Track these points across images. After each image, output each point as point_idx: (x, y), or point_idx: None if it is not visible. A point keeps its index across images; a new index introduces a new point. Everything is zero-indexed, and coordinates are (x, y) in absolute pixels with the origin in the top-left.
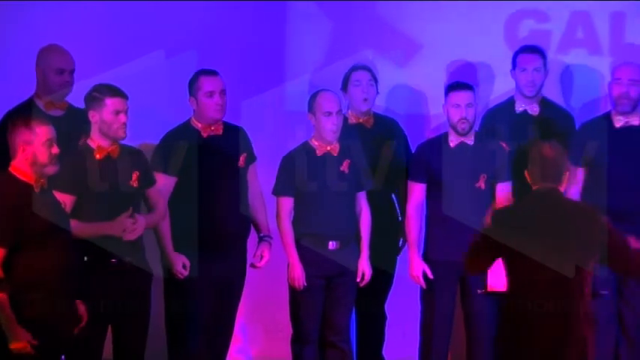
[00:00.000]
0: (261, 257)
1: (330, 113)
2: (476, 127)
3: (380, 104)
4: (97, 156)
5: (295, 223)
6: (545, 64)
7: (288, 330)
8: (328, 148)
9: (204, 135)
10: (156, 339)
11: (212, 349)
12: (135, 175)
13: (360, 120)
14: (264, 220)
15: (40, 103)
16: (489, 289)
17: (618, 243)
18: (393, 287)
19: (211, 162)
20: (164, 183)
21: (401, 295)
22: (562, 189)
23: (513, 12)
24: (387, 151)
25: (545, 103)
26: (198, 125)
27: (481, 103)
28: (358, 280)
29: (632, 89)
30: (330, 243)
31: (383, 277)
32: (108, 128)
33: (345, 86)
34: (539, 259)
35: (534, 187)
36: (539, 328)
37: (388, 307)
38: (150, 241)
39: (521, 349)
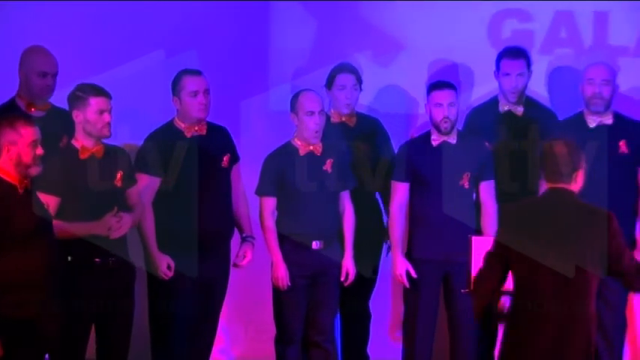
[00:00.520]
0: (244, 257)
1: (312, 113)
2: (458, 126)
3: (363, 103)
4: (82, 156)
5: (279, 222)
6: (529, 67)
7: (271, 330)
8: (311, 147)
9: (188, 135)
10: (139, 338)
11: (196, 348)
12: (119, 175)
13: (343, 119)
14: (247, 221)
15: (21, 104)
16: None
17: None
18: (376, 286)
19: (195, 162)
20: (148, 183)
21: (385, 293)
22: (575, 188)
23: (496, 12)
24: (369, 150)
25: (529, 103)
26: (182, 125)
27: (464, 102)
28: (342, 279)
29: (605, 89)
30: (314, 243)
31: (366, 276)
32: (92, 128)
33: (329, 85)
34: (547, 261)
35: (546, 185)
36: (545, 330)
37: (372, 305)
38: (134, 241)
39: (528, 350)
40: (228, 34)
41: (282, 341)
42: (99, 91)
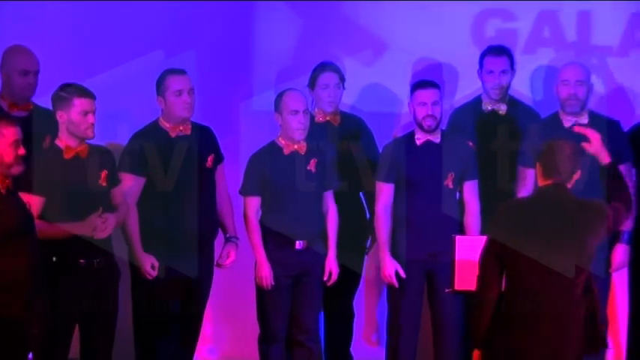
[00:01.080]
0: (227, 257)
1: (296, 112)
2: (442, 126)
3: (347, 102)
4: (66, 156)
5: (263, 222)
6: (512, 65)
7: (255, 329)
8: (295, 147)
9: (173, 135)
10: (123, 339)
11: (180, 348)
12: (104, 175)
13: (327, 118)
14: (231, 221)
15: (3, 104)
16: (456, 287)
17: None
18: (360, 286)
19: (179, 162)
20: (132, 183)
21: (369, 293)
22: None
23: (480, 11)
24: (354, 149)
25: (513, 102)
26: (167, 125)
27: (447, 101)
28: (325, 279)
29: (580, 90)
30: (298, 242)
31: (350, 276)
32: (76, 128)
33: (312, 85)
34: (543, 258)
35: (542, 182)
36: (538, 329)
37: (356, 305)
38: (118, 241)
39: (522, 350)
40: (212, 35)
41: (265, 340)
42: (83, 92)
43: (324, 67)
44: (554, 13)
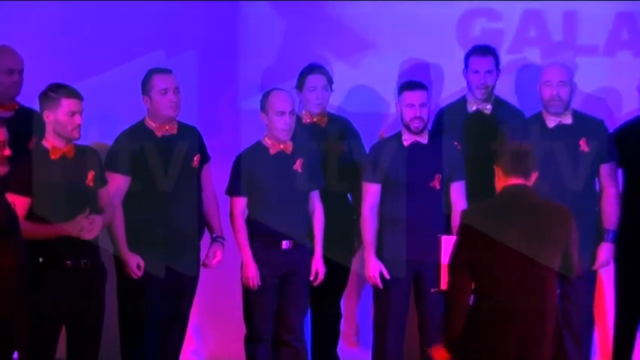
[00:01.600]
0: (214, 257)
1: (283, 112)
2: (429, 127)
3: (333, 104)
4: (53, 156)
5: (249, 222)
6: (497, 65)
7: (242, 329)
8: (281, 146)
9: (159, 134)
10: (109, 339)
11: (165, 348)
12: (91, 175)
13: (314, 119)
14: (217, 221)
15: None
16: (443, 287)
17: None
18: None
19: (165, 162)
20: (118, 183)
21: (349, 294)
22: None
23: (465, 11)
24: (340, 150)
25: (498, 102)
26: (152, 125)
27: (434, 102)
28: (312, 279)
29: (563, 90)
30: (284, 242)
31: (337, 276)
32: (62, 129)
33: (300, 86)
34: (511, 257)
35: (503, 182)
36: (511, 329)
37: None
38: (103, 241)
39: (494, 351)
40: (197, 34)
41: (252, 340)
42: (71, 93)
43: (311, 69)
44: (540, 13)
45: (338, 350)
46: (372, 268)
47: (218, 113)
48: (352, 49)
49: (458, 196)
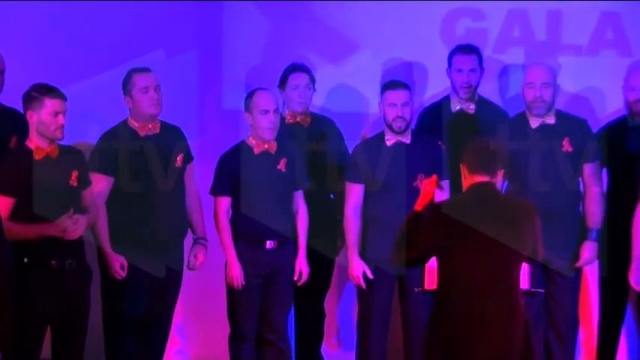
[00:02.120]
0: (195, 259)
1: (267, 111)
2: (412, 126)
3: (316, 103)
4: (36, 157)
5: (233, 222)
6: (480, 63)
7: (226, 329)
8: (265, 146)
9: (142, 134)
10: (94, 339)
11: (149, 348)
12: (74, 175)
13: (298, 119)
14: (200, 221)
15: None
16: (426, 287)
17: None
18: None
19: (148, 162)
20: (101, 183)
21: (330, 295)
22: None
23: (450, 10)
24: (324, 150)
25: (482, 102)
26: (135, 125)
27: (417, 101)
28: (295, 279)
29: (546, 92)
30: (268, 242)
31: (321, 275)
32: (45, 129)
33: (282, 85)
34: (476, 256)
35: (470, 181)
36: (477, 328)
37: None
38: (88, 241)
39: (461, 351)
40: (182, 34)
41: (236, 340)
42: (54, 93)
43: (294, 68)
44: (524, 13)
45: (322, 350)
46: (356, 268)
47: (202, 113)
48: (336, 49)
49: (441, 196)
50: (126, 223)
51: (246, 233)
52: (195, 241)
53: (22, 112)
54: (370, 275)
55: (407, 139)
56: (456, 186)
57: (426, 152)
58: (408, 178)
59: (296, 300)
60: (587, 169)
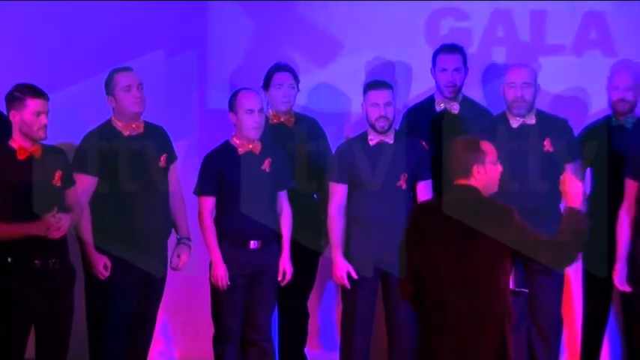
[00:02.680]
0: (179, 259)
1: (251, 111)
2: (395, 126)
3: (300, 103)
4: (20, 157)
5: (217, 222)
6: (465, 63)
7: (210, 329)
8: (250, 146)
9: (125, 134)
10: (78, 339)
11: (133, 348)
12: (57, 175)
13: (282, 119)
14: (183, 221)
15: None
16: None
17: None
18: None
19: (132, 161)
20: (85, 183)
21: (312, 296)
22: (477, 184)
23: (434, 10)
24: (307, 150)
25: (466, 102)
26: (119, 124)
27: (401, 101)
28: (279, 279)
29: (527, 92)
30: (252, 242)
31: (304, 275)
32: (28, 129)
33: (266, 85)
34: (452, 258)
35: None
36: (452, 329)
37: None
38: (72, 241)
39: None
40: (166, 35)
41: (220, 340)
42: (37, 93)
43: (278, 67)
44: (508, 13)
45: (305, 350)
46: (340, 268)
47: (186, 113)
48: (320, 49)
49: (425, 196)
50: (109, 222)
51: (231, 233)
52: (179, 241)
53: (4, 112)
54: (354, 275)
55: (390, 139)
56: (438, 185)
57: (410, 152)
58: (391, 177)
59: (279, 300)
60: (569, 169)
